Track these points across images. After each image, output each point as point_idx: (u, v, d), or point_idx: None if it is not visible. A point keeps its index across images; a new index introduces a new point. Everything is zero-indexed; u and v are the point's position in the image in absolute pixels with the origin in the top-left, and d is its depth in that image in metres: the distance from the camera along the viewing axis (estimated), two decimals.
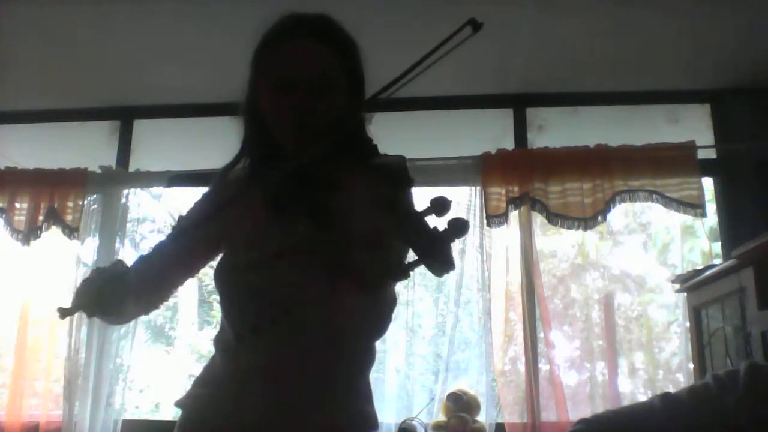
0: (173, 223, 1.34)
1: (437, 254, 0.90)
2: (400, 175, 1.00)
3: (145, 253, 1.28)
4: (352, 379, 1.21)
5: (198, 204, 1.33)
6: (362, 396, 1.22)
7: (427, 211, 0.90)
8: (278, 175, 1.14)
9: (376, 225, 0.97)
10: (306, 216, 1.16)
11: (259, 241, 1.21)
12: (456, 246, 3.11)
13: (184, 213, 1.34)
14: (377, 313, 1.12)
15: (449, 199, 0.89)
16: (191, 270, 1.35)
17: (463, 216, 0.91)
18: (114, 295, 1.17)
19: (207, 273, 1.43)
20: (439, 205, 0.89)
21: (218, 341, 1.26)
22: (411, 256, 0.95)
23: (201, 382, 1.26)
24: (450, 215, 0.89)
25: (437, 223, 0.90)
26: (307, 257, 1.16)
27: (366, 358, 1.23)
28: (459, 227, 0.89)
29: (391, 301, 1.13)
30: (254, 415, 1.15)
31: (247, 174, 1.27)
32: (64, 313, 1.14)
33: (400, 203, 0.95)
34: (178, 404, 1.26)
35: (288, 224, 1.18)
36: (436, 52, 1.02)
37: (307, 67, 1.18)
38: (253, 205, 1.20)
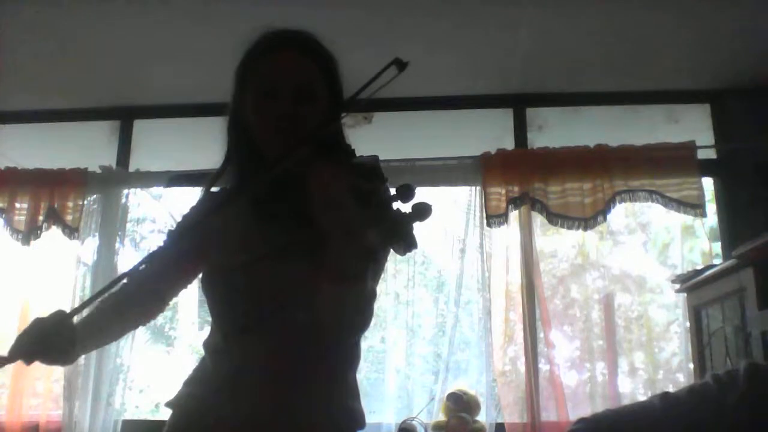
0: (165, 238, 1.36)
1: (399, 235, 0.95)
2: (374, 171, 1.03)
3: (140, 265, 1.30)
4: (339, 376, 1.24)
5: (187, 218, 1.37)
6: (350, 393, 1.25)
7: (394, 198, 0.95)
8: (261, 181, 1.18)
9: (350, 216, 1.00)
10: (289, 217, 1.19)
11: (247, 243, 1.24)
12: (456, 246, 3.11)
13: (174, 227, 1.39)
14: (358, 306, 1.13)
15: (414, 185, 0.95)
16: (185, 281, 1.39)
17: (427, 202, 0.97)
18: (59, 340, 1.16)
19: None
20: (405, 192, 0.95)
21: (207, 343, 1.30)
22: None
23: (191, 383, 1.29)
24: (415, 201, 0.95)
25: (404, 209, 0.96)
26: (294, 257, 1.18)
27: (351, 355, 1.26)
28: (422, 211, 0.94)
29: (370, 293, 1.15)
30: (243, 413, 1.17)
31: (231, 184, 1.31)
32: (2, 362, 1.15)
33: (376, 196, 0.98)
34: (169, 405, 1.28)
35: (273, 226, 1.22)
36: (365, 90, 1.11)
37: (291, 76, 1.23)
38: (240, 210, 1.24)
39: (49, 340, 1.15)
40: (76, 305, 3.05)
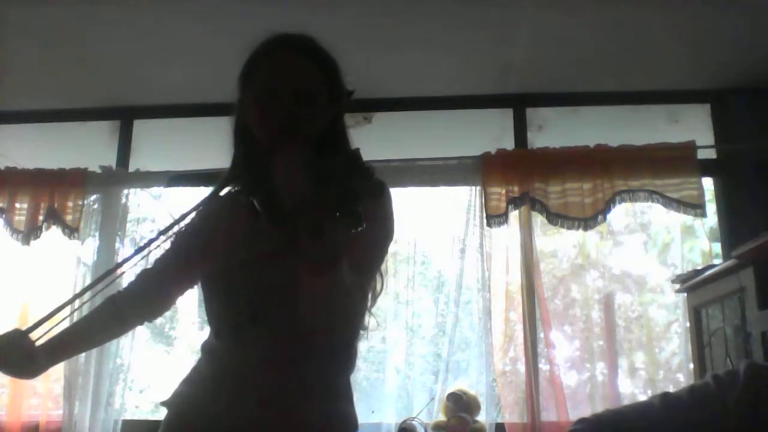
0: (172, 239, 1.38)
1: (344, 209, 0.93)
2: (350, 158, 1.01)
3: (147, 266, 1.38)
4: (331, 378, 1.24)
5: (194, 221, 1.37)
6: (342, 396, 1.25)
7: (355, 181, 0.94)
8: (256, 178, 1.17)
9: (304, 196, 0.99)
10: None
11: (246, 242, 1.25)
12: (456, 246, 3.11)
13: (182, 228, 1.39)
14: (335, 300, 1.12)
15: (384, 182, 0.96)
16: (190, 282, 1.41)
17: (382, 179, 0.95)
18: (15, 356, 1.24)
19: None
20: (376, 188, 0.94)
21: (204, 343, 1.32)
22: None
23: (187, 382, 1.30)
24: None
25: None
26: (290, 256, 1.17)
27: (344, 357, 1.26)
28: (372, 187, 0.93)
29: (350, 289, 1.13)
30: (237, 414, 1.18)
31: (237, 190, 1.32)
32: None
33: (334, 178, 0.97)
34: (164, 404, 1.30)
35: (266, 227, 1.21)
36: None
37: (291, 78, 1.24)
38: (240, 209, 1.23)
39: (4, 357, 1.22)
40: (77, 305, 3.07)
